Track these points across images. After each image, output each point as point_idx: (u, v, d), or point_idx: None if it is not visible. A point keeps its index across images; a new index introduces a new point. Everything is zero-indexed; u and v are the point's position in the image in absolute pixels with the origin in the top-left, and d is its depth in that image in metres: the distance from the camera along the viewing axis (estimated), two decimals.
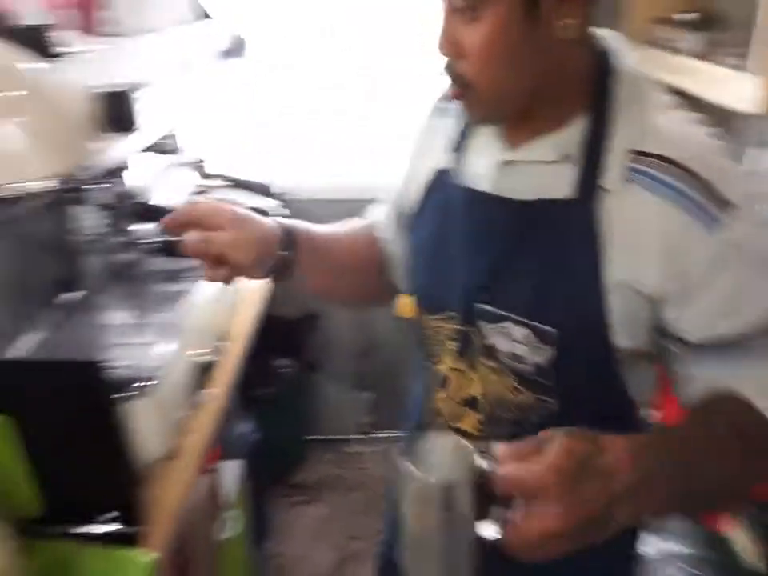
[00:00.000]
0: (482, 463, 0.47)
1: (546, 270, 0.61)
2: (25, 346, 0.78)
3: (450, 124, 0.71)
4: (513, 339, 0.62)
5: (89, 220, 0.88)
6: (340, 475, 2.06)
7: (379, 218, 0.84)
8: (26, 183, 0.62)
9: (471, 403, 0.68)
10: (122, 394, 0.69)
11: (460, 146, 0.69)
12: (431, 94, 0.75)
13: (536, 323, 0.60)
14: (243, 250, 0.69)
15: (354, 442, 2.19)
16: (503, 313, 0.62)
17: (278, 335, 1.80)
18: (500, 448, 0.49)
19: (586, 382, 0.62)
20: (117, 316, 0.88)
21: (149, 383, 0.72)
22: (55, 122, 0.63)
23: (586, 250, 0.59)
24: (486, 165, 0.65)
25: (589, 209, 0.58)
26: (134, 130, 0.68)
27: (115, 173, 0.81)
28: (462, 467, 0.47)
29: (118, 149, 0.72)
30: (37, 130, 0.62)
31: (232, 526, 1.32)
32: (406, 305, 1.67)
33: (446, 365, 0.70)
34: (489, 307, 0.63)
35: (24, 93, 0.62)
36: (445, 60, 0.58)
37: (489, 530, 0.47)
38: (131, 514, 0.72)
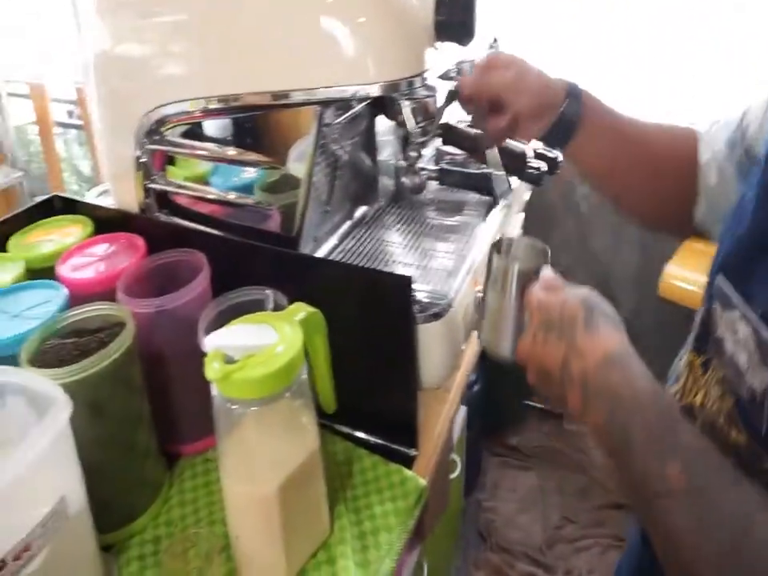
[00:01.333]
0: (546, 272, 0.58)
1: None
2: (327, 251, 0.82)
3: None
4: (737, 340, 0.45)
5: (391, 135, 0.89)
6: (557, 449, 1.97)
7: (711, 134, 0.67)
8: (355, 87, 0.61)
9: (686, 412, 0.51)
10: (423, 314, 0.69)
11: None
12: None
13: (760, 323, 0.42)
14: (525, 95, 0.64)
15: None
16: (735, 297, 0.45)
17: None
18: (547, 272, 0.58)
19: None
20: (405, 238, 0.88)
21: (444, 310, 0.70)
22: (394, 26, 0.61)
23: None
24: None
25: None
26: (470, 42, 0.64)
27: (429, 88, 0.78)
28: (532, 264, 0.59)
29: (442, 61, 0.70)
30: (374, 32, 0.61)
31: (454, 468, 1.32)
32: (672, 285, 1.51)
33: (686, 355, 0.56)
34: (726, 284, 0.47)
35: None
36: None
37: None
38: (411, 435, 0.72)
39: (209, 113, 0.70)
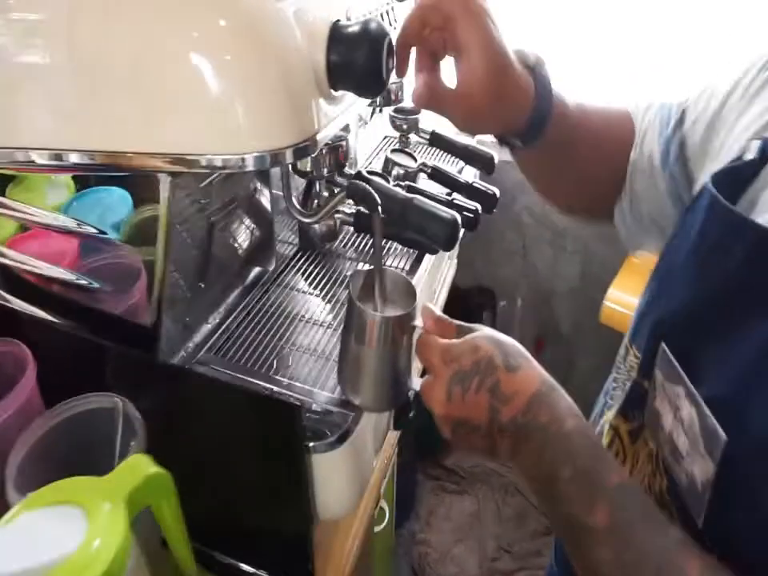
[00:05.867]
0: (418, 320, 0.52)
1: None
2: (204, 336, 0.64)
3: None
4: (678, 417, 0.42)
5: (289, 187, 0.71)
6: (493, 470, 1.88)
7: (643, 130, 0.58)
8: (226, 157, 0.44)
9: None
10: (319, 442, 0.53)
11: None
12: None
13: (706, 408, 0.38)
14: (480, 47, 0.45)
15: None
16: (680, 370, 0.41)
17: (448, 304, 1.58)
18: (426, 308, 0.53)
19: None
20: (311, 308, 0.72)
21: (349, 429, 0.55)
22: (277, 74, 0.44)
23: None
24: None
25: None
26: (379, 94, 0.47)
27: (334, 140, 0.61)
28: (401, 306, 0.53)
29: (349, 112, 0.53)
30: (249, 80, 0.43)
31: (382, 518, 1.19)
32: (614, 311, 1.42)
33: (609, 416, 0.53)
34: (671, 354, 0.42)
35: (236, 27, 0.42)
36: None
37: (416, 383, 0.53)
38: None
39: (19, 166, 0.51)
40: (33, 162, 0.48)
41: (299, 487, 0.52)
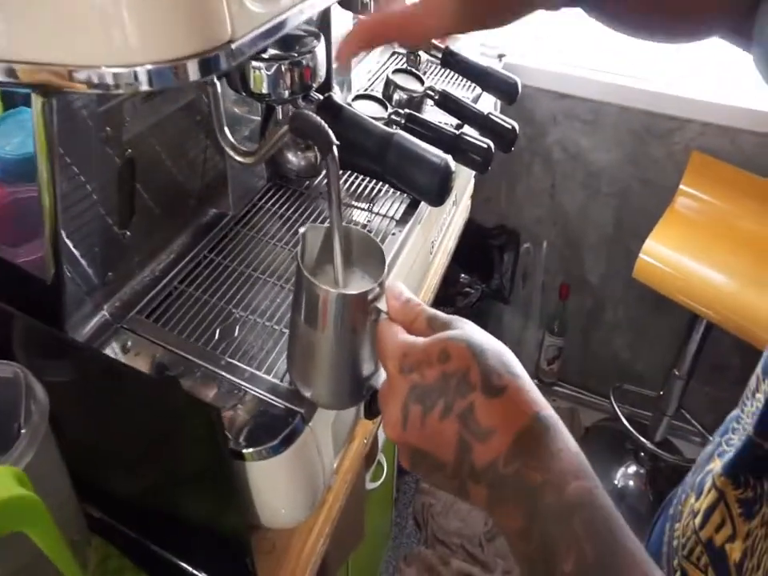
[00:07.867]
0: (383, 304, 0.39)
1: None
2: (138, 294, 0.53)
3: None
4: None
5: (244, 111, 0.58)
6: None
7: None
8: (115, 70, 0.31)
9: (715, 559, 0.38)
10: (257, 448, 0.42)
11: None
12: None
13: None
14: None
15: None
16: None
17: (467, 243, 1.44)
18: (392, 286, 0.40)
19: None
20: (276, 263, 0.60)
21: (296, 431, 0.44)
22: None
23: None
24: None
25: None
26: None
27: (297, 43, 0.47)
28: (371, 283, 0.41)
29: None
30: None
31: (380, 474, 1.12)
32: (648, 267, 1.26)
33: (716, 467, 0.41)
34: None
35: None
36: None
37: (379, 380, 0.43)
38: None
39: None
40: None
41: (226, 496, 0.42)
